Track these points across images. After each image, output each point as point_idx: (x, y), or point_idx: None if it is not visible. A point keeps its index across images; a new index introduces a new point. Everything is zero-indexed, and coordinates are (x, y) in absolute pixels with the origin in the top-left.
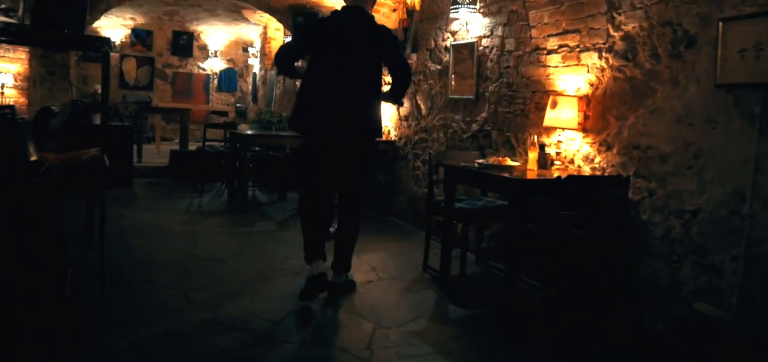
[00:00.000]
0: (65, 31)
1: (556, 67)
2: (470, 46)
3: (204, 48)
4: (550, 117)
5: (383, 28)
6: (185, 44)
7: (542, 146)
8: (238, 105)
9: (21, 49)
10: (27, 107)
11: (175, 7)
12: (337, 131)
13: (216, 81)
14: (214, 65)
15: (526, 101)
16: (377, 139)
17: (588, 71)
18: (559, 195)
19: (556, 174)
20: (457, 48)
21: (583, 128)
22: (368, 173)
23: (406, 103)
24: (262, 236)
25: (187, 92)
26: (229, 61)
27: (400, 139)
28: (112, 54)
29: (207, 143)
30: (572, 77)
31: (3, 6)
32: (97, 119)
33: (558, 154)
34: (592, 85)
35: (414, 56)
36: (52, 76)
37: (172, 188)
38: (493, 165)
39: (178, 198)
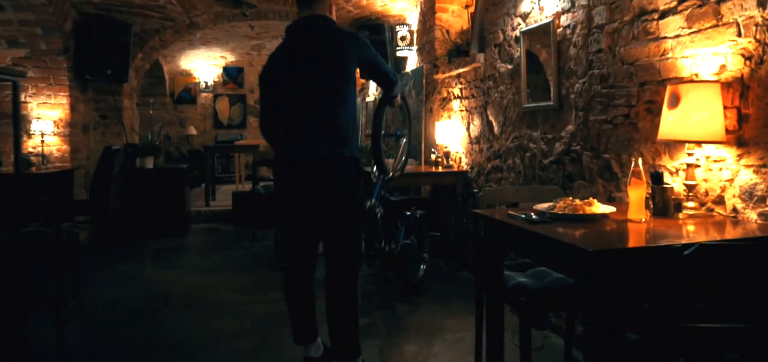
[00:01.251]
0: (109, 71)
1: (677, 36)
2: (545, 29)
3: None
4: (669, 122)
5: (348, 34)
6: None
7: (658, 177)
8: None
9: (62, 93)
10: (69, 155)
11: (259, 40)
12: (302, 183)
13: None
14: None
15: (632, 101)
16: (356, 183)
17: (738, 34)
18: (693, 274)
19: (686, 233)
20: (530, 35)
21: (738, 139)
22: (356, 227)
23: (477, 120)
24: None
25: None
26: None
27: (472, 168)
28: (205, 94)
29: (261, 184)
30: (707, 50)
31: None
32: (149, 163)
33: (691, 190)
34: (747, 58)
35: (481, 58)
36: (105, 120)
37: (232, 236)
38: (562, 215)
39: (226, 249)
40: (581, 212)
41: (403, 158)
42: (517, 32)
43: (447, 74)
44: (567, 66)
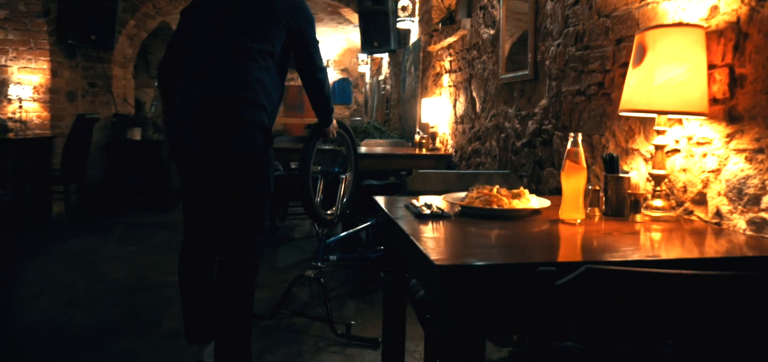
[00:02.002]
0: (93, 37)
1: None
2: None
3: None
4: (631, 86)
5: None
6: None
7: (612, 163)
8: (353, 118)
9: (42, 58)
10: (49, 122)
11: None
12: (195, 146)
13: None
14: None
15: (607, 65)
16: (261, 153)
17: None
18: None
19: (630, 244)
20: None
21: (728, 113)
22: (257, 212)
23: (462, 96)
24: None
25: (298, 106)
26: (343, 70)
27: (456, 151)
28: None
29: None
30: None
31: None
32: (136, 135)
33: (659, 182)
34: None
35: (467, 24)
36: (94, 88)
37: None
38: (469, 210)
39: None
40: (495, 207)
41: (346, 199)
42: None
43: (439, 45)
44: (543, 25)
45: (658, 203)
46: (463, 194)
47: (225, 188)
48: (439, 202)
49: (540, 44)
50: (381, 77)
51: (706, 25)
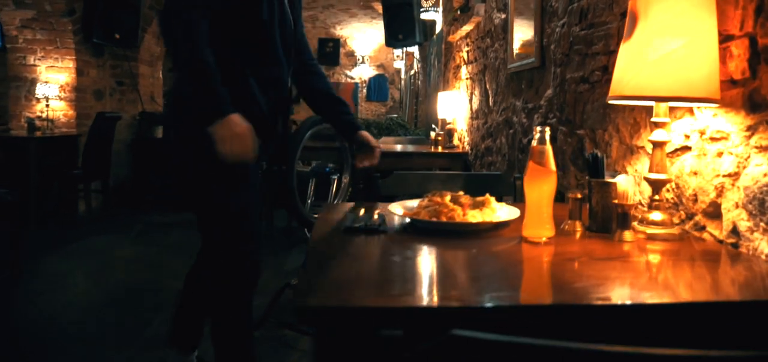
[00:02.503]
0: (117, 35)
1: None
2: None
3: (351, 54)
4: (622, 66)
5: None
6: (331, 52)
7: (595, 164)
8: (389, 115)
9: (68, 57)
10: (75, 121)
11: (312, 10)
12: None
13: (365, 90)
14: (362, 73)
15: (611, 45)
16: (192, 172)
17: None
18: None
19: (612, 275)
20: None
21: (749, 98)
22: (210, 230)
23: (477, 89)
24: None
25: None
26: (379, 66)
27: (471, 150)
28: None
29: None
30: None
31: None
32: (159, 133)
33: (658, 189)
34: None
35: (481, 9)
36: (121, 86)
37: None
38: (419, 223)
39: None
40: (444, 220)
41: (337, 201)
42: None
43: (457, 35)
44: (549, 3)
45: (657, 216)
46: (417, 202)
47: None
48: (399, 210)
49: (546, 26)
50: (412, 72)
51: None
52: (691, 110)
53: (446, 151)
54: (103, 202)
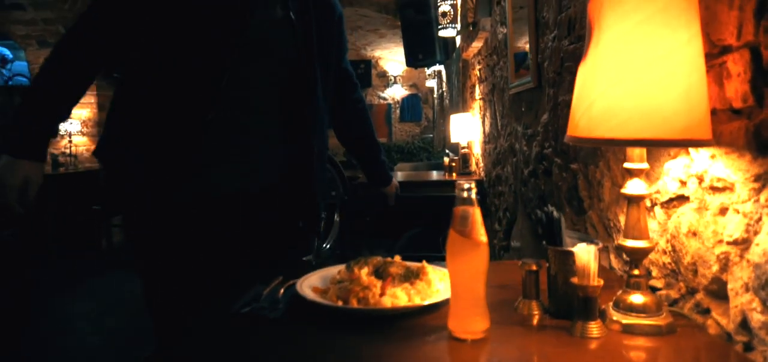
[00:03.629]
0: None
1: None
2: None
3: (383, 75)
4: (577, 93)
5: None
6: (363, 73)
7: (550, 221)
8: (423, 136)
9: (90, 92)
10: None
11: None
12: None
13: (398, 111)
14: (395, 93)
15: None
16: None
17: None
18: None
19: None
20: None
21: (757, 134)
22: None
23: (488, 110)
24: None
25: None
26: (412, 86)
27: (486, 177)
28: None
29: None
30: None
31: None
32: None
33: (637, 261)
34: None
35: (487, 23)
36: None
37: None
38: (333, 308)
39: None
40: (353, 303)
41: (327, 244)
42: None
43: (470, 51)
44: (542, 15)
45: (637, 299)
46: (337, 271)
47: None
48: (307, 288)
49: (540, 40)
50: (442, 91)
51: None
52: (686, 148)
53: (457, 178)
54: (124, 237)
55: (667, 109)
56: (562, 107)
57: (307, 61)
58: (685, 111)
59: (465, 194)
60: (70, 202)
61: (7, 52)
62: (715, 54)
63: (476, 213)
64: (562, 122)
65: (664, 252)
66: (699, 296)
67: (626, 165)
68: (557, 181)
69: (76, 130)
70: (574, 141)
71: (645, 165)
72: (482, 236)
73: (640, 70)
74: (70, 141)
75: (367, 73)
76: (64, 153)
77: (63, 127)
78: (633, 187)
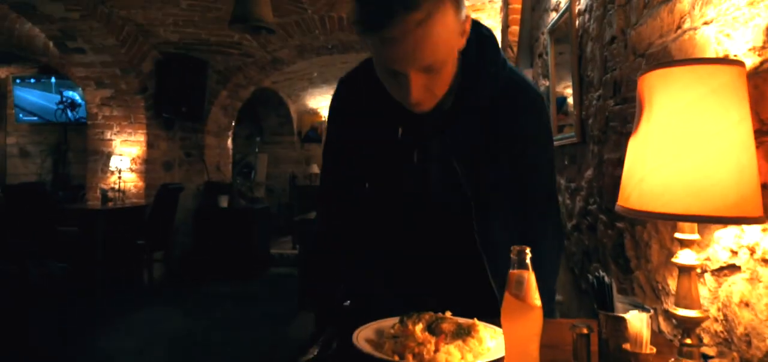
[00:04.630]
0: (183, 109)
1: None
2: (567, 23)
3: None
4: (628, 166)
5: None
6: None
7: (601, 287)
8: None
9: (140, 131)
10: (144, 191)
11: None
12: None
13: None
14: None
15: None
16: None
17: None
18: None
19: None
20: (555, 34)
21: None
22: None
23: None
24: None
25: None
26: None
27: None
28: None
29: None
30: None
31: None
32: (224, 202)
33: (689, 331)
34: None
35: (529, 74)
36: (189, 158)
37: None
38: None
39: (280, 300)
40: (410, 360)
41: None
42: (545, 32)
43: None
44: (586, 73)
45: None
46: (391, 323)
47: None
48: (361, 341)
49: (584, 97)
50: None
51: (756, 59)
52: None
53: None
54: (165, 272)
55: (718, 186)
56: (607, 165)
57: None
58: (736, 188)
59: (520, 258)
60: (117, 236)
61: (76, 96)
62: (764, 131)
63: (531, 277)
64: (607, 180)
65: (716, 320)
66: None
67: (677, 236)
68: (602, 238)
69: (126, 167)
70: (626, 212)
71: (696, 236)
72: (536, 300)
73: (691, 147)
74: (120, 177)
75: None
76: (113, 188)
77: (113, 163)
78: (684, 257)
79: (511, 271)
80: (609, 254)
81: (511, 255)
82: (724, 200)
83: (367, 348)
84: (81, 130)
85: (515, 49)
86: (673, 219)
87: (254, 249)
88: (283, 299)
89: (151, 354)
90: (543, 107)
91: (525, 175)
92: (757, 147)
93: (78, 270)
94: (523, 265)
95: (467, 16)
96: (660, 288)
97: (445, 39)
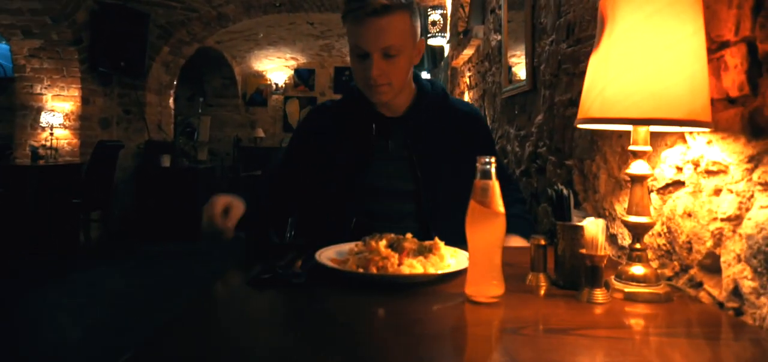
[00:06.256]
0: (122, 63)
1: None
2: None
3: None
4: (589, 81)
5: None
6: (348, 80)
7: (560, 199)
8: None
9: (74, 85)
10: (79, 149)
11: (326, 40)
12: None
13: None
14: None
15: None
16: None
17: None
18: None
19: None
20: None
21: (751, 120)
22: None
23: None
24: None
25: None
26: None
27: None
28: (275, 96)
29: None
30: None
31: None
32: (166, 162)
33: (639, 235)
34: None
35: (480, 31)
36: (128, 115)
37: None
38: (348, 274)
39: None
40: (374, 271)
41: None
42: None
43: (460, 59)
44: (538, 21)
45: (638, 270)
46: (350, 246)
47: None
48: (326, 258)
49: (537, 45)
50: None
51: None
52: (683, 137)
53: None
54: (103, 232)
55: (673, 93)
56: (558, 107)
57: None
58: (689, 94)
59: (485, 168)
60: (49, 194)
61: None
62: (713, 49)
63: (495, 186)
64: (557, 122)
65: (659, 234)
66: (693, 271)
67: (631, 148)
68: (551, 177)
69: (58, 122)
70: (587, 122)
71: (649, 148)
72: (500, 206)
73: (649, 57)
74: (52, 133)
75: (351, 80)
76: (43, 146)
77: (44, 119)
78: (637, 167)
79: (476, 181)
80: None
81: (477, 166)
82: (679, 106)
83: (331, 265)
84: (5, 85)
85: (467, 7)
86: (634, 124)
87: (198, 210)
88: (229, 257)
89: (90, 314)
90: (484, 118)
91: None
92: (708, 63)
93: (6, 230)
94: (487, 175)
95: (422, 41)
96: (607, 214)
97: (402, 32)
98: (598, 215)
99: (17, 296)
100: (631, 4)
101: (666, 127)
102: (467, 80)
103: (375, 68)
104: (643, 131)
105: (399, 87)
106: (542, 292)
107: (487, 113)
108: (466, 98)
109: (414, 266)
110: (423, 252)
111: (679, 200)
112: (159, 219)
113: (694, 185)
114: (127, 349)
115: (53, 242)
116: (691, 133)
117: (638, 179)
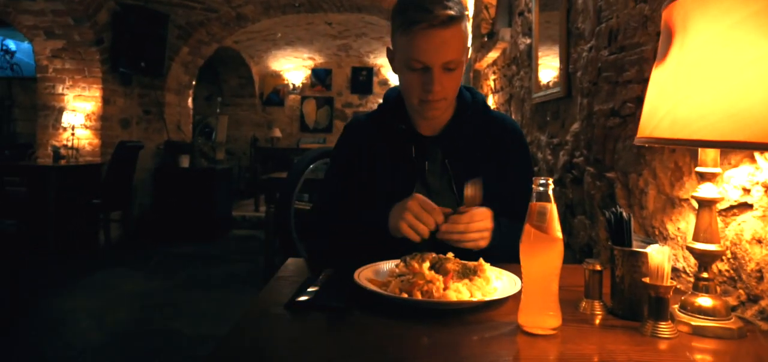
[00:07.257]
0: (142, 64)
1: None
2: None
3: (384, 83)
4: (651, 97)
5: None
6: (365, 80)
7: (619, 222)
8: None
9: (95, 85)
10: (100, 149)
11: (344, 40)
12: None
13: None
14: None
15: (646, 71)
16: None
17: None
18: None
19: None
20: None
21: None
22: None
23: None
24: None
25: None
26: None
27: None
28: (292, 96)
29: None
30: None
31: None
32: (185, 162)
33: (706, 265)
34: None
35: (507, 34)
36: (148, 115)
37: (262, 244)
38: (387, 298)
39: (234, 261)
40: (419, 297)
41: None
42: None
43: (484, 62)
44: (575, 25)
45: (705, 301)
46: (391, 265)
47: None
48: (365, 280)
49: (572, 51)
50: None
51: None
52: (751, 156)
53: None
54: (123, 232)
55: (756, 113)
56: (597, 116)
57: None
58: None
59: (542, 190)
60: (70, 194)
61: (11, 44)
62: None
63: (553, 209)
64: (597, 132)
65: (721, 260)
66: (764, 303)
67: (699, 169)
68: (589, 189)
69: (80, 123)
70: (652, 142)
71: (719, 169)
72: (558, 232)
73: (729, 73)
74: (73, 133)
75: (368, 80)
76: (65, 146)
77: (66, 119)
78: (705, 191)
79: (532, 203)
80: (597, 205)
81: (534, 187)
82: (762, 128)
83: (372, 287)
84: (27, 85)
85: (492, 10)
86: (707, 146)
87: (216, 211)
88: (246, 260)
89: (112, 316)
90: (523, 134)
91: (515, 182)
92: None
93: (29, 230)
94: (544, 197)
95: (468, 48)
96: (657, 233)
97: (461, 43)
98: (647, 234)
99: (39, 296)
100: (708, 15)
101: (746, 149)
102: (491, 84)
103: (437, 83)
104: (712, 152)
105: (452, 101)
106: (597, 321)
107: (514, 118)
108: (490, 101)
109: (460, 291)
110: (467, 274)
111: (746, 223)
112: (177, 220)
113: (763, 209)
114: (147, 352)
115: (74, 242)
116: (761, 153)
117: (706, 204)
